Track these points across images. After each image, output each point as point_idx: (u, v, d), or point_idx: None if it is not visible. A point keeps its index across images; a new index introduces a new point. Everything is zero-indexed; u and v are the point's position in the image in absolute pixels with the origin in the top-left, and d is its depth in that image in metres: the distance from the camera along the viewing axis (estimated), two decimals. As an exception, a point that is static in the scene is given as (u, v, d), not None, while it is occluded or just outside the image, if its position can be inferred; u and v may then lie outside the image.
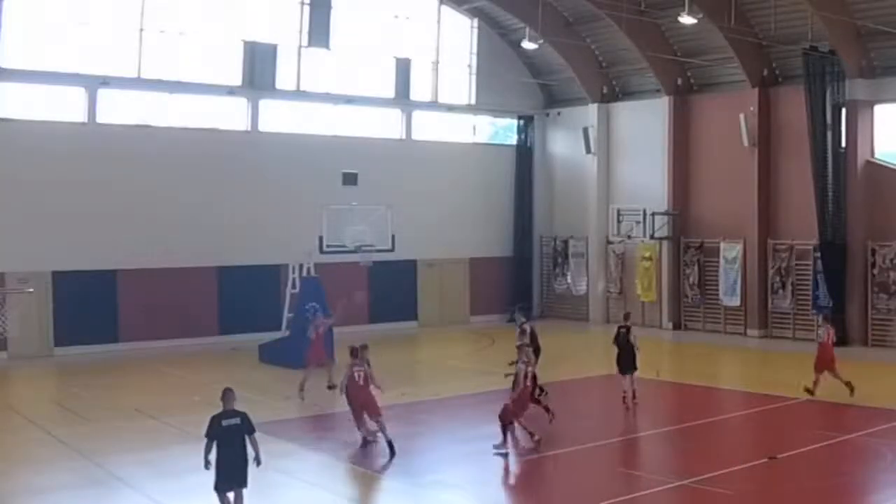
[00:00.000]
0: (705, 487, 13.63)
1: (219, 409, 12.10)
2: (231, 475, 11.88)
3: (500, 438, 16.00)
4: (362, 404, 16.33)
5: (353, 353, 16.63)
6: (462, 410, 19.71)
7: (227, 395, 12.21)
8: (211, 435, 11.94)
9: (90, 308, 27.26)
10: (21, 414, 19.75)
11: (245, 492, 12.17)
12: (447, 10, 34.28)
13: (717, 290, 30.84)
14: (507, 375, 17.37)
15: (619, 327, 20.59)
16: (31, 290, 25.15)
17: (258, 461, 12.01)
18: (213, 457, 11.89)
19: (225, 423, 11.97)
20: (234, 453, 11.86)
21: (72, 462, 15.76)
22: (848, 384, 19.66)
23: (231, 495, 11.99)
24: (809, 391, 19.87)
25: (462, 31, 34.91)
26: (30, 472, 15.08)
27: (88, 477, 14.86)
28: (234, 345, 27.74)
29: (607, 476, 15.01)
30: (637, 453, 16.72)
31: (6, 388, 23.13)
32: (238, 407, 12.32)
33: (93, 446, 16.52)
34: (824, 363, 20.12)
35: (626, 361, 19.86)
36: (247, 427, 12.02)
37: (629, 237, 32.55)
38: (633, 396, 19.70)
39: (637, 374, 19.91)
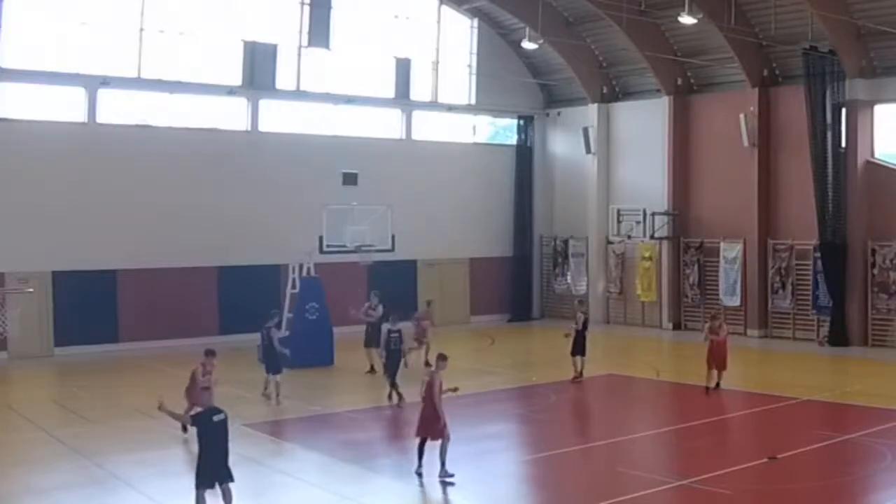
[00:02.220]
0: (705, 487, 13.63)
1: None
2: (215, 471, 11.99)
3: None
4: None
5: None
6: (462, 410, 19.65)
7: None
8: (198, 425, 12.08)
9: (90, 308, 27.25)
10: (21, 414, 19.75)
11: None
12: (447, 10, 34.28)
13: (717, 290, 30.84)
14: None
15: (584, 315, 23.32)
16: (31, 290, 25.17)
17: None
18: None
19: (216, 418, 12.11)
20: (218, 448, 11.99)
21: (72, 462, 15.76)
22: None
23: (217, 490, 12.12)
24: (709, 389, 21.20)
25: (462, 31, 34.90)
26: (30, 472, 15.08)
27: (88, 477, 14.86)
28: (235, 345, 27.71)
29: (607, 476, 15.00)
30: (637, 453, 16.71)
31: (6, 388, 23.11)
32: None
33: (93, 446, 16.52)
34: (723, 360, 21.24)
35: (582, 345, 22.77)
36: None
37: (629, 237, 32.55)
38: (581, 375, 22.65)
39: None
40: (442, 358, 14.93)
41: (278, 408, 19.63)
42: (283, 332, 25.98)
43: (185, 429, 16.33)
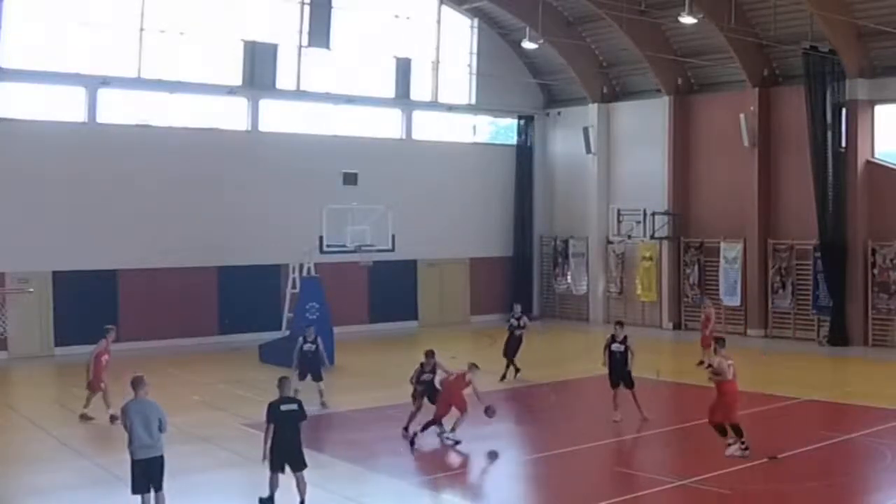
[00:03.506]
0: (705, 487, 13.63)
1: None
2: (285, 457, 12.55)
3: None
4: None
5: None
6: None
7: (283, 382, 13.05)
8: (270, 419, 12.59)
9: (90, 308, 27.21)
10: (21, 414, 19.75)
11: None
12: (447, 10, 34.27)
13: (718, 290, 30.84)
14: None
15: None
16: (31, 290, 25.18)
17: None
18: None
19: (284, 408, 12.67)
20: (287, 436, 12.53)
21: (72, 462, 15.77)
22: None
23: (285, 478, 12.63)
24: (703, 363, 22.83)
25: (462, 31, 34.90)
26: (30, 472, 15.08)
27: (88, 477, 14.86)
28: (235, 345, 27.73)
29: (607, 476, 15.00)
30: (637, 453, 16.72)
31: (6, 388, 23.13)
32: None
33: (93, 446, 16.51)
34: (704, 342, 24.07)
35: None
36: (302, 413, 12.80)
37: (629, 237, 32.55)
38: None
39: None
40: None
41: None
42: (284, 332, 26.07)
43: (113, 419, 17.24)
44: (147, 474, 11.71)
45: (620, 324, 19.50)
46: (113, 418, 17.70)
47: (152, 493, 11.78)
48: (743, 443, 15.18)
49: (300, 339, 20.19)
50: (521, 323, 23.09)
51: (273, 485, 12.64)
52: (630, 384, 18.48)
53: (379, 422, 18.65)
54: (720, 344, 16.07)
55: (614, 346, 18.60)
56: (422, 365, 17.49)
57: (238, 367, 24.60)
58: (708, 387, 22.21)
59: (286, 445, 12.54)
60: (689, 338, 30.61)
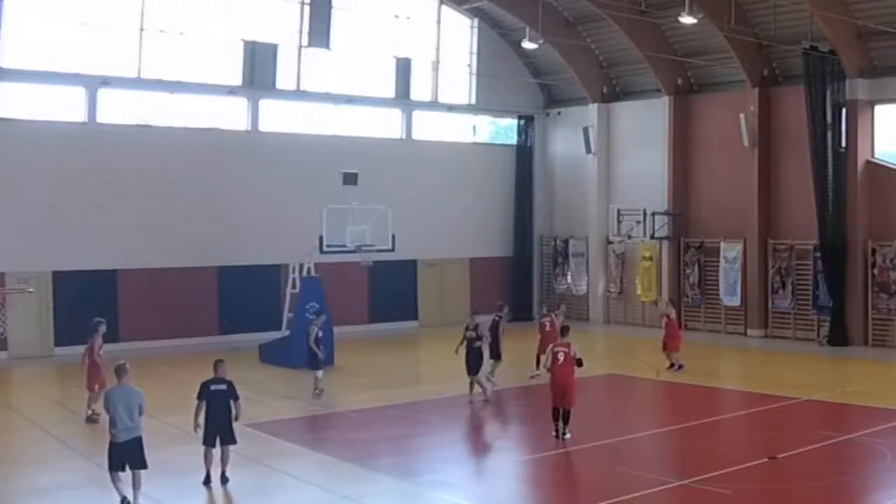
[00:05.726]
0: (705, 487, 13.63)
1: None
2: (217, 433, 13.85)
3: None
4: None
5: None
6: (462, 410, 19.72)
7: (218, 365, 14.16)
8: (200, 397, 13.88)
9: (90, 308, 27.14)
10: (21, 414, 19.76)
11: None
12: (447, 10, 34.28)
13: (718, 290, 30.84)
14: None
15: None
16: (31, 290, 25.18)
17: (237, 418, 14.11)
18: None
19: (213, 388, 13.88)
20: (217, 413, 13.85)
21: (72, 462, 15.76)
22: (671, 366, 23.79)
23: (217, 451, 13.91)
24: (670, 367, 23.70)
25: (462, 31, 34.91)
26: (30, 472, 15.08)
27: (88, 477, 14.84)
28: (235, 345, 27.72)
29: (607, 476, 14.99)
30: (637, 453, 16.70)
31: (6, 388, 23.13)
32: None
33: (93, 446, 16.50)
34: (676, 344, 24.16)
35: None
36: (232, 393, 14.01)
37: (629, 237, 32.54)
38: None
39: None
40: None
41: (281, 406, 19.69)
42: (284, 332, 26.09)
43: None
44: (126, 454, 12.73)
45: (476, 313, 21.10)
46: (90, 419, 18.17)
47: (127, 471, 12.75)
48: (556, 432, 16.42)
49: (313, 328, 20.31)
50: (478, 333, 20.39)
51: (207, 461, 13.78)
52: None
53: (379, 422, 18.67)
54: (563, 332, 17.43)
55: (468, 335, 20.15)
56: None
57: (238, 367, 24.47)
58: (707, 386, 22.35)
59: (217, 421, 13.79)
60: (688, 338, 30.53)
